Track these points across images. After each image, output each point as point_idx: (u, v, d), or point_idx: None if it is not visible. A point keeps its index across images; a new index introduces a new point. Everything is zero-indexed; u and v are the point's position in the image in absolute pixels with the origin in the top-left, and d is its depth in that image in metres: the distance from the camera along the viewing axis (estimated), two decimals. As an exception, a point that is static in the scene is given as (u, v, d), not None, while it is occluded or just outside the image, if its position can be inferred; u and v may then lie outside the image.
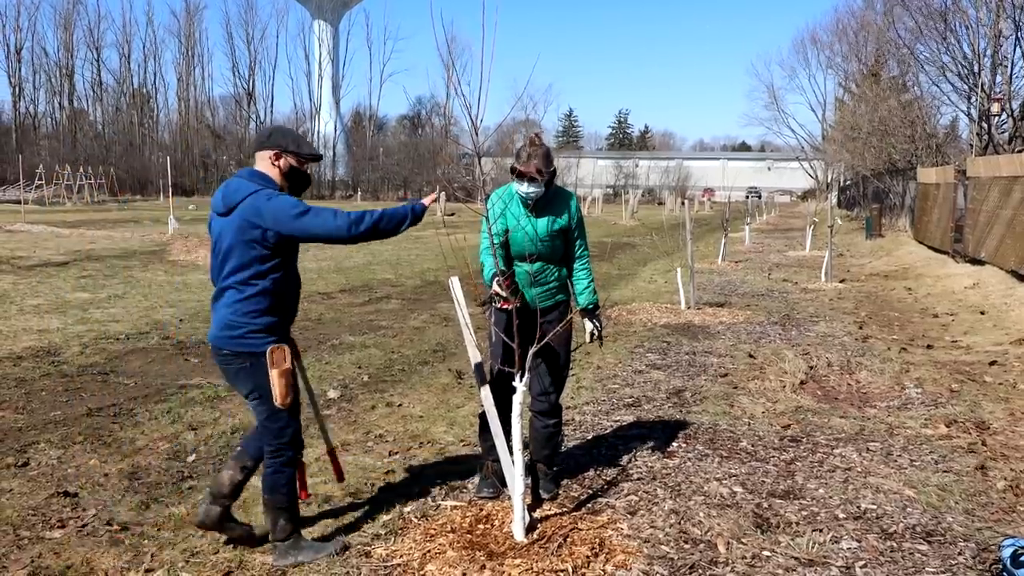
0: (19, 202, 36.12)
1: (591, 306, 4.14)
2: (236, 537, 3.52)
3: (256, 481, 4.30)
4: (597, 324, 4.17)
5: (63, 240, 19.73)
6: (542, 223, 3.95)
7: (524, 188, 3.87)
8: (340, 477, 3.88)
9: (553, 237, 3.98)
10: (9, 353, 7.38)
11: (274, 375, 3.21)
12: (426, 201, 3.38)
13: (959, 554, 3.58)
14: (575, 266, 4.14)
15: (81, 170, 48.25)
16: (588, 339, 4.18)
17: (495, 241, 3.76)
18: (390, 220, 3.25)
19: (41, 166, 47.27)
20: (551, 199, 3.99)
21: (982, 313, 10.13)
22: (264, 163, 3.31)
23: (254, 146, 3.43)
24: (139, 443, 4.97)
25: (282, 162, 3.31)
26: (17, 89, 69.67)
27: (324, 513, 3.92)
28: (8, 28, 69.93)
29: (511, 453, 3.56)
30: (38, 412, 5.63)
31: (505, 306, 3.74)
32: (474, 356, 3.69)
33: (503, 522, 3.70)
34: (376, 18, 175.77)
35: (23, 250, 16.85)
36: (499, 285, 3.68)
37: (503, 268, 3.81)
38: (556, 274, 4.06)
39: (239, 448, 3.55)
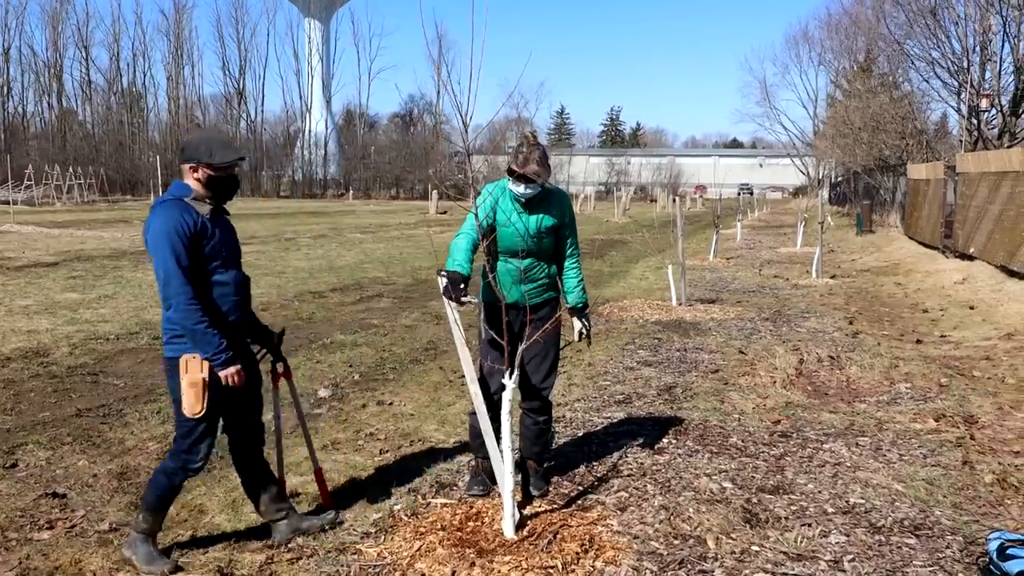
0: (8, 203, 35.91)
1: (580, 305, 4.16)
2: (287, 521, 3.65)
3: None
4: (586, 323, 4.18)
5: (52, 241, 19.63)
6: (533, 220, 3.95)
7: (520, 189, 3.86)
8: (326, 499, 3.87)
9: (544, 235, 3.99)
10: (-2, 354, 7.35)
11: (184, 383, 3.26)
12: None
13: (947, 547, 3.61)
14: (565, 264, 4.15)
15: (71, 170, 48.02)
16: (577, 338, 4.19)
17: (476, 234, 3.71)
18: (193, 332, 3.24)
19: (30, 166, 47.01)
20: (543, 197, 3.99)
21: (971, 308, 10.19)
22: (187, 176, 3.31)
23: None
24: (128, 443, 4.95)
25: (199, 174, 3.28)
26: (5, 89, 69.23)
27: (313, 512, 3.91)
28: (-4, 27, 69.43)
29: (501, 450, 3.56)
30: (27, 413, 5.61)
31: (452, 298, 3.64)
32: (464, 354, 3.69)
33: (493, 519, 3.70)
34: (361, 15, 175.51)
35: (12, 251, 16.76)
36: (451, 291, 3.61)
37: (466, 275, 3.74)
38: (546, 271, 4.07)
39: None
